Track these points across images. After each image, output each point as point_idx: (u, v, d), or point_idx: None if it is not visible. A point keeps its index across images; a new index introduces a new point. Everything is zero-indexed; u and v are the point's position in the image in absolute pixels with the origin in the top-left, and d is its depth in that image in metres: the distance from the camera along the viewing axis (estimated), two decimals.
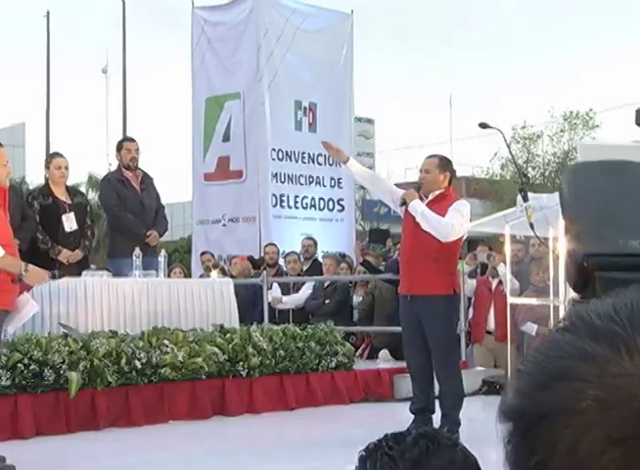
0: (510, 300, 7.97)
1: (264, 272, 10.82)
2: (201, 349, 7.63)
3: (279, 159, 13.79)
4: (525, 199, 6.27)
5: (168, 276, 9.53)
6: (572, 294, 3.78)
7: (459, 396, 6.72)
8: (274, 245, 12.05)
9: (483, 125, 6.95)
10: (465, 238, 7.23)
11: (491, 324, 9.88)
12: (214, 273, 10.05)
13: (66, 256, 8.44)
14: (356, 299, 10.85)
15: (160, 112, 54.33)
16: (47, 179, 8.85)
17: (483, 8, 55.71)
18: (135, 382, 7.17)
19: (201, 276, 11.55)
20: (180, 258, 20.30)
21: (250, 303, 10.52)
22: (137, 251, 8.30)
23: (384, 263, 10.98)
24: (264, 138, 13.63)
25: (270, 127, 13.67)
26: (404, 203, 6.67)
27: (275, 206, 13.75)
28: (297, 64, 13.99)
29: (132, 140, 9.57)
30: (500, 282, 9.74)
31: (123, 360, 7.10)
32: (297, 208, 13.99)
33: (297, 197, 13.99)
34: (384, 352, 9.87)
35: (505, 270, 8.44)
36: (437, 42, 61.93)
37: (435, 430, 1.66)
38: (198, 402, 7.51)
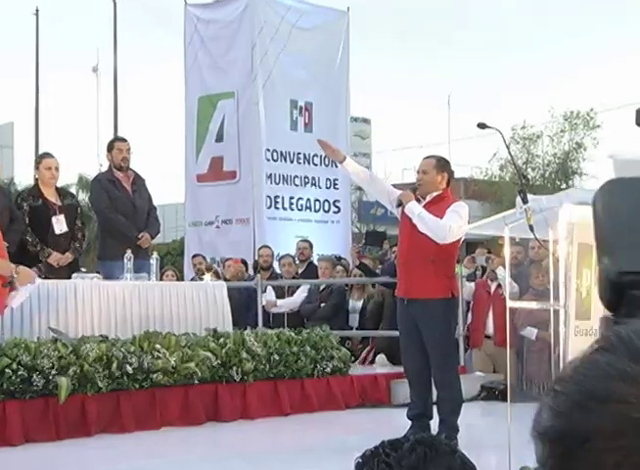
0: (509, 303, 7.83)
1: (258, 275, 10.71)
2: (193, 353, 7.56)
3: (273, 159, 13.67)
4: (525, 200, 6.16)
5: (160, 279, 9.45)
6: (605, 312, 3.70)
7: (457, 401, 6.68)
8: (268, 247, 11.93)
9: (482, 126, 6.82)
10: (463, 240, 7.15)
11: (490, 328, 9.79)
12: (207, 276, 9.94)
13: (56, 258, 8.36)
14: (353, 303, 10.71)
15: (152, 111, 54.20)
16: (37, 180, 8.75)
17: (483, 8, 55.80)
18: (126, 387, 7.09)
19: (192, 279, 11.44)
20: (172, 260, 20.14)
21: (243, 306, 10.43)
22: (128, 253, 8.23)
23: (380, 266, 10.89)
24: (258, 138, 13.51)
25: (264, 127, 13.56)
26: (400, 204, 6.60)
27: (269, 207, 13.63)
28: (293, 62, 13.86)
29: (123, 140, 9.45)
30: (499, 285, 9.67)
31: (114, 365, 7.02)
32: (291, 209, 13.88)
33: (291, 198, 13.87)
34: (380, 357, 9.78)
35: (504, 273, 8.34)
36: (437, 42, 62.10)
37: (433, 436, 1.65)
38: (190, 408, 7.43)
